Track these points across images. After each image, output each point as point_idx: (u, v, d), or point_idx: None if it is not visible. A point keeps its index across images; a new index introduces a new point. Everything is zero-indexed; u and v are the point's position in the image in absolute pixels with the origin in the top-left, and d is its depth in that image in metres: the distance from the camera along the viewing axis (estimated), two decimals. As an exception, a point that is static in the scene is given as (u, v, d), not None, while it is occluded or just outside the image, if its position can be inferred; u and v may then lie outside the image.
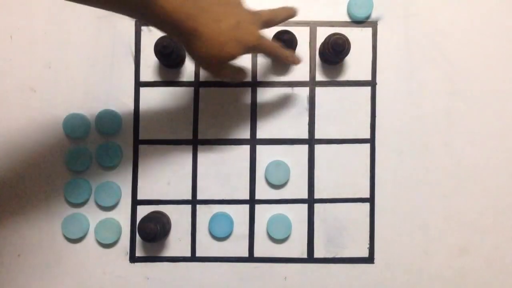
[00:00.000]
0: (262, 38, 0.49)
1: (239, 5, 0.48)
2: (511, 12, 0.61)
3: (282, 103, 0.61)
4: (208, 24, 0.44)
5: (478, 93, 0.61)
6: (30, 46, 0.61)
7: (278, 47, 0.52)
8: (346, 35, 0.57)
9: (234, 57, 0.47)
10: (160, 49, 0.56)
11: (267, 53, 0.52)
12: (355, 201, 0.60)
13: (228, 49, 0.46)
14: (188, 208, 0.61)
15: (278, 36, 0.57)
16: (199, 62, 0.49)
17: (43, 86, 0.61)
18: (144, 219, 0.57)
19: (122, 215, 0.60)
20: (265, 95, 0.61)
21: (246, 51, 0.48)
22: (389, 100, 0.61)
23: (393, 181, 0.60)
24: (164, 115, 0.61)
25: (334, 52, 0.56)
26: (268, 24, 0.51)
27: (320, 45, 0.60)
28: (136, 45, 0.61)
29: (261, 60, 0.61)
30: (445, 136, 0.60)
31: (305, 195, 0.60)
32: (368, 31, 0.61)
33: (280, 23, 0.53)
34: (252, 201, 0.60)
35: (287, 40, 0.57)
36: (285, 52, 0.53)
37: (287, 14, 0.53)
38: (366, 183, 0.60)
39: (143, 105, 0.61)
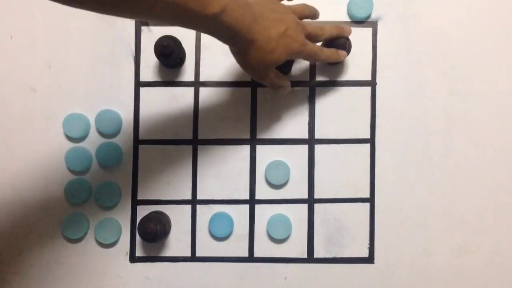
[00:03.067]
0: (306, 44, 0.51)
1: (287, 12, 0.51)
2: (511, 12, 0.61)
3: (282, 103, 0.61)
4: (261, 32, 0.47)
5: (478, 93, 0.61)
6: (30, 46, 0.61)
7: (319, 50, 0.54)
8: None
9: (279, 62, 0.50)
10: (160, 49, 0.56)
11: (311, 57, 0.54)
12: (355, 201, 0.60)
13: (275, 54, 0.49)
14: (188, 208, 0.61)
15: (332, 41, 0.57)
16: (247, 67, 0.51)
17: (43, 86, 0.61)
18: (144, 219, 0.57)
19: (122, 215, 0.60)
20: (265, 95, 0.61)
21: (290, 56, 0.51)
22: (389, 100, 0.61)
23: (393, 181, 0.60)
24: (164, 115, 0.61)
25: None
26: (302, 17, 0.54)
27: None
28: (136, 45, 0.61)
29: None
30: (445, 136, 0.60)
31: (305, 195, 0.60)
32: (368, 31, 0.61)
33: (325, 40, 0.56)
34: (252, 201, 0.60)
35: (340, 45, 0.57)
36: (327, 53, 0.55)
37: (336, 32, 0.56)
38: (366, 183, 0.60)
39: (143, 105, 0.61)
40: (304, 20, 0.54)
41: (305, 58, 0.54)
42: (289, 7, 0.53)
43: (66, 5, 0.38)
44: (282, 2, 0.53)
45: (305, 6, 0.55)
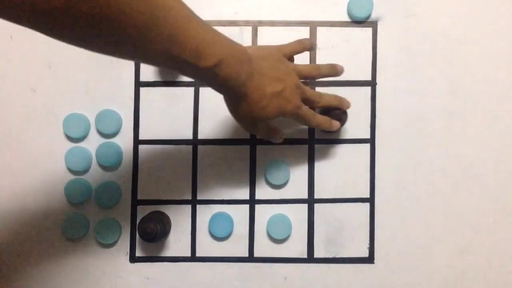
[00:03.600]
0: (299, 108, 0.51)
1: (289, 73, 0.50)
2: (511, 12, 0.61)
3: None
4: (256, 88, 0.47)
5: (478, 93, 0.61)
6: (30, 46, 0.61)
7: (312, 116, 0.53)
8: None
9: (269, 119, 0.50)
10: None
11: (302, 121, 0.53)
12: (355, 201, 0.60)
13: (266, 112, 0.48)
14: (188, 208, 0.61)
15: (328, 110, 0.57)
16: (238, 119, 0.50)
17: (43, 86, 0.61)
18: (144, 219, 0.57)
19: (122, 215, 0.60)
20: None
21: (282, 116, 0.50)
22: (389, 100, 0.61)
23: (393, 181, 0.60)
24: (164, 115, 0.61)
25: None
26: (308, 78, 0.54)
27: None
28: (136, 45, 0.61)
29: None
30: (445, 136, 0.60)
31: (305, 195, 0.60)
32: (368, 31, 0.61)
33: (320, 78, 0.56)
34: (252, 201, 0.60)
35: (335, 115, 0.56)
36: (319, 120, 0.54)
37: (332, 72, 0.56)
38: (366, 183, 0.60)
39: (143, 105, 0.61)
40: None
41: (297, 121, 0.53)
42: (294, 66, 0.52)
43: (60, 40, 0.38)
44: (289, 63, 0.52)
45: (313, 68, 0.54)
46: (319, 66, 0.55)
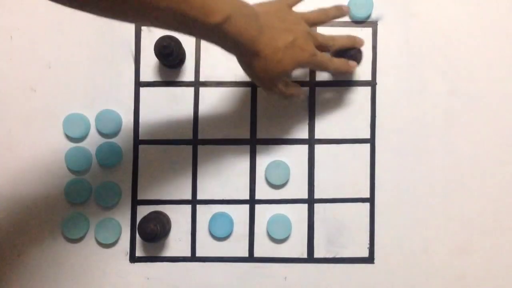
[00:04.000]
0: (315, 55, 0.50)
1: (297, 22, 0.49)
2: (511, 12, 0.61)
3: (282, 103, 0.61)
4: (267, 43, 0.46)
5: (478, 93, 0.60)
6: (30, 46, 0.61)
7: (329, 61, 0.53)
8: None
9: (287, 72, 0.49)
10: (160, 49, 0.56)
11: (320, 68, 0.53)
12: (355, 201, 0.60)
13: (282, 65, 0.47)
14: (188, 208, 0.61)
15: (343, 52, 0.56)
16: (254, 78, 0.50)
17: (43, 86, 0.61)
18: (144, 219, 0.57)
19: (122, 215, 0.60)
20: (265, 95, 0.61)
21: (299, 66, 0.49)
22: (389, 100, 0.61)
23: (393, 181, 0.60)
24: (164, 115, 0.61)
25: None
26: (317, 24, 0.53)
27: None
28: (136, 45, 0.61)
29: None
30: (445, 136, 0.60)
31: (305, 195, 0.60)
32: (368, 31, 0.61)
33: (329, 21, 0.54)
34: (252, 201, 0.60)
35: (351, 56, 0.56)
36: (337, 63, 0.54)
37: (339, 13, 0.54)
38: (366, 183, 0.60)
39: (143, 105, 0.61)
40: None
41: (314, 68, 0.53)
42: (302, 14, 0.51)
43: (65, 5, 0.37)
44: (294, 9, 0.51)
45: (320, 12, 0.53)
46: (326, 10, 0.54)
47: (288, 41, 0.47)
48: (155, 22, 0.41)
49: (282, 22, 0.48)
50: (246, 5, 0.44)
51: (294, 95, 0.54)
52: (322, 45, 0.52)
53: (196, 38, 0.51)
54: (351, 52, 0.56)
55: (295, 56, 0.48)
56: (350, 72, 0.57)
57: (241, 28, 0.43)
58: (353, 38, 0.56)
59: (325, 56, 0.52)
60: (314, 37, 0.51)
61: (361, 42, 0.57)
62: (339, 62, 0.54)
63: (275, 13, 0.48)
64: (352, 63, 0.55)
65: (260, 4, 0.49)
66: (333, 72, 0.59)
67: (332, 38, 0.54)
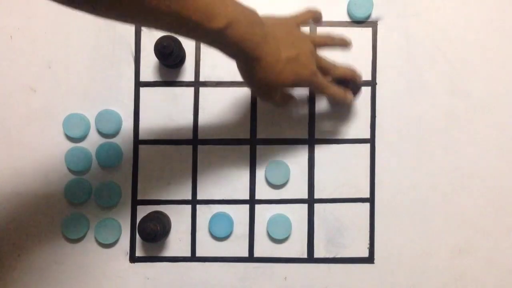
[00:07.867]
0: (315, 75, 0.50)
1: (304, 40, 0.49)
2: (511, 12, 0.61)
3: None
4: (270, 52, 0.45)
5: (478, 93, 0.61)
6: (30, 46, 0.61)
7: (329, 86, 0.52)
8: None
9: (285, 86, 0.49)
10: (160, 49, 0.56)
11: (318, 90, 0.53)
12: (355, 201, 0.60)
13: (282, 77, 0.47)
14: (188, 208, 0.61)
15: (341, 83, 0.56)
16: (252, 85, 0.49)
17: (43, 86, 0.61)
18: (144, 219, 0.57)
19: (122, 215, 0.60)
20: (265, 95, 0.61)
21: (298, 83, 0.49)
22: (389, 100, 0.61)
23: (393, 181, 0.60)
24: (164, 115, 0.61)
25: None
26: (321, 46, 0.53)
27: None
28: (136, 45, 0.61)
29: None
30: (445, 136, 0.60)
31: (305, 195, 0.60)
32: (368, 31, 0.61)
33: (332, 48, 0.55)
34: (252, 201, 0.60)
35: (350, 89, 0.56)
36: (335, 90, 0.53)
37: (343, 44, 0.55)
38: (366, 183, 0.60)
39: (143, 105, 0.61)
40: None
41: (312, 88, 0.52)
42: (309, 36, 0.51)
43: (65, 5, 0.37)
44: (303, 31, 0.51)
45: (327, 37, 0.53)
46: (332, 37, 0.54)
47: (292, 54, 0.47)
48: (156, 25, 0.41)
49: (288, 36, 0.48)
50: (252, 13, 0.44)
51: (288, 105, 0.54)
52: (323, 69, 0.52)
53: (197, 41, 0.50)
54: (349, 85, 0.56)
55: (296, 71, 0.48)
56: (347, 103, 0.57)
57: (244, 34, 0.42)
58: (354, 71, 0.56)
59: (325, 80, 0.52)
60: (318, 59, 0.51)
61: (360, 77, 0.57)
62: (337, 89, 0.54)
63: (283, 27, 0.48)
64: (349, 94, 0.55)
65: (269, 17, 0.48)
66: (329, 98, 0.59)
67: (334, 65, 0.54)
